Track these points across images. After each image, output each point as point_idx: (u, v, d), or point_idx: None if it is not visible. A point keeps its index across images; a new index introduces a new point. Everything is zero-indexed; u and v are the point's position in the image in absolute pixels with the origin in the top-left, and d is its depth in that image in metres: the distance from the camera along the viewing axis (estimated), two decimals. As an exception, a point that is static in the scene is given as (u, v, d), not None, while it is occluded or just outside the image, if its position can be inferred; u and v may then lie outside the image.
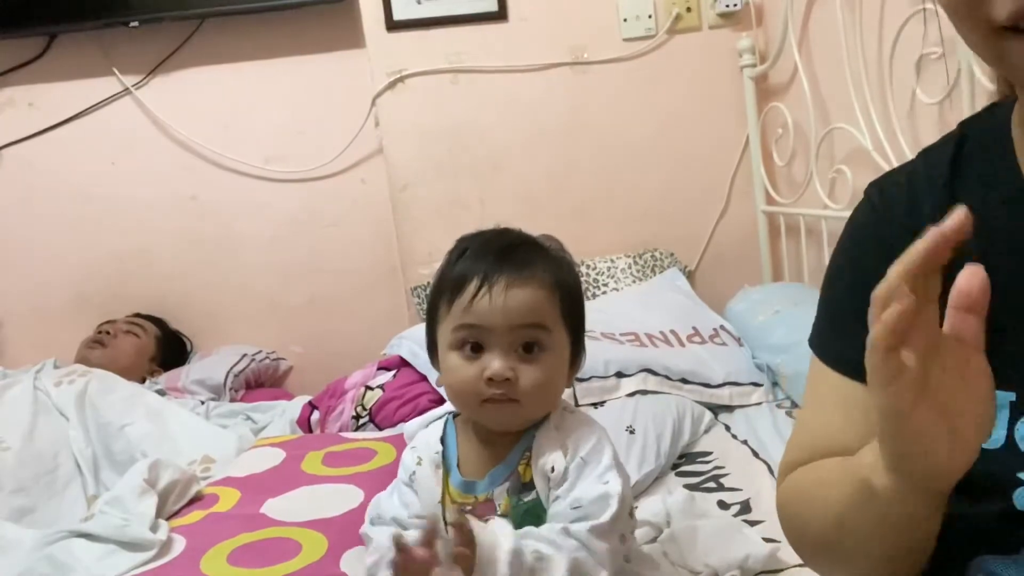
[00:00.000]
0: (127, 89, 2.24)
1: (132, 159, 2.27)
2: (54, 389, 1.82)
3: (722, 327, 1.94)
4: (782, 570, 1.09)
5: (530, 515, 0.95)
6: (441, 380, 1.00)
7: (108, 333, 2.18)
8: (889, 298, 0.47)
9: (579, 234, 2.07)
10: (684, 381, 1.71)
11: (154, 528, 1.24)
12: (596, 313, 1.65)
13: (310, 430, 1.85)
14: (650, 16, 2.30)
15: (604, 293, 2.24)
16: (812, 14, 2.02)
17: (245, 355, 2.21)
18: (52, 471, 1.66)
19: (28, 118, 2.23)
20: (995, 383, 0.50)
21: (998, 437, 0.59)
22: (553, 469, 0.94)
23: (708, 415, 1.68)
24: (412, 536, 0.86)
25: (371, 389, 1.80)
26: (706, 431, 1.64)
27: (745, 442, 1.56)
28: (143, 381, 2.11)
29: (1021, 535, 0.59)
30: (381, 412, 1.74)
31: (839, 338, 0.70)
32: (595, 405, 1.62)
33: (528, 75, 2.31)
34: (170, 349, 2.27)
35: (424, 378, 1.77)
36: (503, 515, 0.95)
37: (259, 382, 2.25)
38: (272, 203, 2.31)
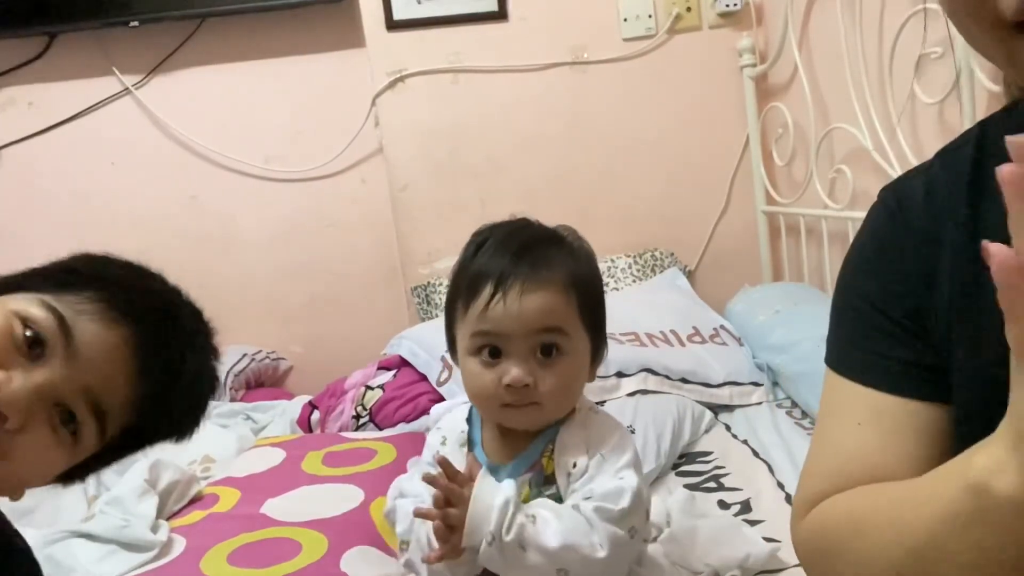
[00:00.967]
0: (127, 89, 2.23)
1: (132, 159, 2.27)
2: (54, 389, 1.82)
3: (722, 327, 1.94)
4: (782, 570, 1.09)
5: None
6: (463, 383, 1.00)
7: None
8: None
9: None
10: (684, 381, 1.71)
11: (154, 528, 1.24)
12: (596, 313, 1.65)
13: (310, 430, 1.85)
14: (650, 16, 2.30)
15: (604, 293, 2.23)
16: (812, 14, 2.02)
17: (245, 355, 2.20)
18: (52, 471, 1.66)
19: (28, 118, 2.23)
20: None
21: None
22: (575, 465, 0.96)
23: (708, 415, 1.68)
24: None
25: (371, 389, 1.80)
26: (706, 431, 1.64)
27: (745, 442, 1.56)
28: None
29: None
30: (381, 412, 1.74)
31: (864, 350, 0.65)
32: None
33: (528, 75, 2.31)
34: (170, 349, 2.27)
35: (424, 378, 1.77)
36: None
37: (259, 382, 2.25)
38: (272, 203, 2.31)
